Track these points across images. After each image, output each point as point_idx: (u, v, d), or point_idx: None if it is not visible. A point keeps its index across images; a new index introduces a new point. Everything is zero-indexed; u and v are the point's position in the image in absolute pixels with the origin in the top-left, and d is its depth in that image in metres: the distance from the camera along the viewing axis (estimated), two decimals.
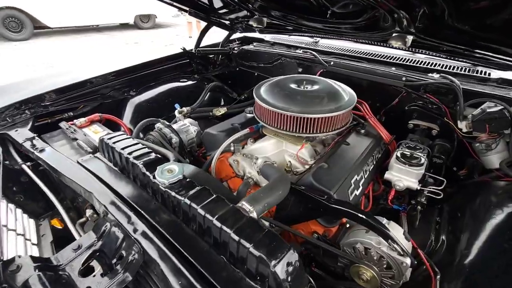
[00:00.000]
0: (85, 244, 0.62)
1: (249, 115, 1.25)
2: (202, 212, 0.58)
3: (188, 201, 0.61)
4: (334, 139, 1.15)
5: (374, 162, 1.08)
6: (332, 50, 1.55)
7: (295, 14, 1.15)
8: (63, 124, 1.10)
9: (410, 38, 0.87)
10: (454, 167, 1.21)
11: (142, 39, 7.58)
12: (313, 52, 1.49)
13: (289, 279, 0.50)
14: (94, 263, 0.59)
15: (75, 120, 1.17)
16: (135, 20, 8.75)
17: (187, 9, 1.47)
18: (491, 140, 1.05)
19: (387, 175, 1.01)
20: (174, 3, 1.39)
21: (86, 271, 0.58)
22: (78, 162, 0.83)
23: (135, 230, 0.59)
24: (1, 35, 6.70)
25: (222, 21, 1.62)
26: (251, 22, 1.37)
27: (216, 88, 1.67)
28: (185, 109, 1.40)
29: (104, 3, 7.81)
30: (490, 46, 0.86)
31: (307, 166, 1.02)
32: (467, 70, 1.23)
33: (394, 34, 0.90)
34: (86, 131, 1.10)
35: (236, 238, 0.52)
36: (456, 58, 1.11)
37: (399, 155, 1.00)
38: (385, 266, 0.69)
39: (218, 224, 0.55)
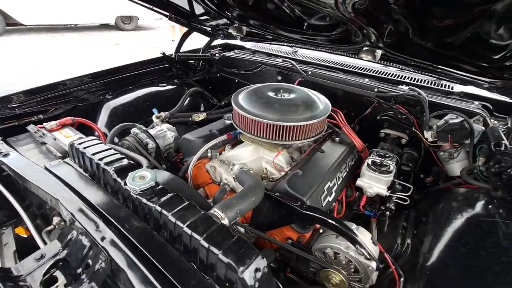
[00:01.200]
0: (49, 254, 0.60)
1: (228, 122, 1.25)
2: (172, 219, 0.58)
3: (159, 208, 0.60)
4: (310, 146, 1.18)
5: (347, 169, 1.12)
6: (310, 60, 1.60)
7: (273, 24, 1.19)
8: (31, 127, 1.06)
9: (379, 52, 0.92)
10: (421, 175, 1.28)
11: (123, 41, 7.40)
12: (292, 62, 1.53)
13: (256, 285, 0.50)
14: (58, 273, 0.57)
15: (45, 124, 1.12)
16: (116, 21, 8.54)
17: (168, 14, 1.47)
18: (453, 149, 1.12)
19: (358, 182, 1.05)
20: (155, 8, 1.38)
21: (49, 281, 0.55)
22: (45, 168, 0.80)
23: (102, 238, 0.58)
24: None
25: (203, 27, 1.63)
26: (230, 30, 1.39)
27: (196, 94, 1.67)
28: (163, 114, 1.39)
29: (83, 1, 7.58)
30: (451, 62, 0.93)
31: (283, 173, 1.04)
32: (433, 83, 1.31)
33: (364, 48, 0.95)
34: (57, 135, 1.06)
35: (206, 245, 0.53)
36: (423, 72, 1.19)
37: (370, 162, 1.05)
38: (352, 270, 0.71)
39: (189, 231, 0.55)
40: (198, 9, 1.41)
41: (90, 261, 0.56)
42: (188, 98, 1.56)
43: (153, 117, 1.34)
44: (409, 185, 1.02)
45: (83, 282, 0.54)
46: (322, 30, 1.04)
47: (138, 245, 0.58)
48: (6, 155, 0.85)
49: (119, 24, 8.66)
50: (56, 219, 0.84)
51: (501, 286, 0.62)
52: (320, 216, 0.76)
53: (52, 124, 1.12)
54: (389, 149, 1.22)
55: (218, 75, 1.88)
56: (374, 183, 1.02)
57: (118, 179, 0.68)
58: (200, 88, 1.71)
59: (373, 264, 0.68)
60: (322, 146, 1.15)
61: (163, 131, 1.24)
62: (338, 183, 1.04)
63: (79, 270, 0.57)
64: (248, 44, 1.89)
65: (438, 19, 0.73)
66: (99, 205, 0.67)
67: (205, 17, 1.50)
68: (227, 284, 0.52)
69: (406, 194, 0.99)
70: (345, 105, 1.34)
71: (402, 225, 0.98)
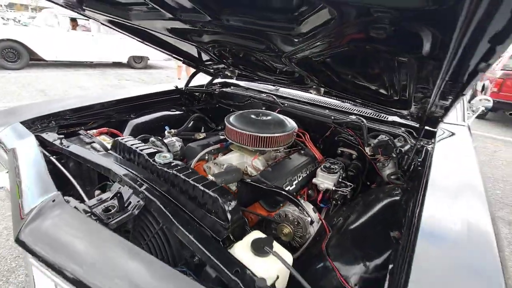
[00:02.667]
0: (104, 197, 0.98)
1: (222, 137, 1.69)
2: (183, 177, 0.97)
3: (175, 172, 1.00)
4: (281, 156, 1.60)
5: (308, 172, 1.52)
6: (288, 96, 2.09)
7: (256, 69, 1.69)
8: (82, 132, 1.47)
9: (322, 89, 1.39)
10: (368, 182, 1.67)
11: (134, 77, 8.16)
12: (274, 96, 2.02)
13: (230, 210, 0.88)
14: (112, 206, 0.94)
15: (87, 131, 1.54)
16: (129, 60, 9.43)
17: (182, 59, 1.99)
18: (385, 160, 1.54)
19: (314, 180, 1.44)
20: (173, 55, 1.90)
21: (107, 210, 0.93)
22: (97, 153, 1.20)
23: (140, 185, 0.96)
24: None
25: (207, 69, 2.15)
26: (227, 72, 1.89)
27: (199, 118, 2.12)
28: (173, 130, 1.82)
29: (101, 44, 8.49)
30: (372, 99, 1.40)
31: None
32: (373, 114, 1.78)
33: (313, 86, 1.42)
34: (97, 139, 1.47)
35: (202, 188, 0.92)
36: (366, 106, 1.66)
37: (322, 167, 1.46)
38: (296, 223, 1.07)
39: (192, 182, 0.94)
40: (204, 57, 1.93)
41: (132, 199, 0.94)
42: (192, 121, 2.01)
43: (166, 132, 1.77)
44: (350, 184, 1.41)
45: (127, 210, 0.92)
46: (286, 74, 1.52)
47: (162, 192, 0.96)
48: (68, 146, 1.25)
49: (130, 62, 9.55)
50: (96, 192, 1.22)
51: (385, 237, 0.98)
52: (279, 191, 1.15)
53: (93, 131, 1.54)
54: (342, 161, 1.63)
55: (217, 105, 2.36)
56: (324, 181, 1.41)
57: (149, 158, 1.08)
58: (201, 114, 2.17)
59: (309, 219, 1.05)
60: (291, 155, 1.56)
61: (173, 141, 1.66)
62: (299, 179, 1.43)
63: (125, 204, 0.94)
64: (242, 83, 2.40)
65: (342, 72, 1.20)
66: (136, 173, 1.06)
67: (209, 62, 2.01)
68: (213, 211, 0.90)
69: (347, 189, 1.38)
70: (311, 128, 1.78)
71: (343, 209, 1.35)
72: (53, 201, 0.83)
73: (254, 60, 1.47)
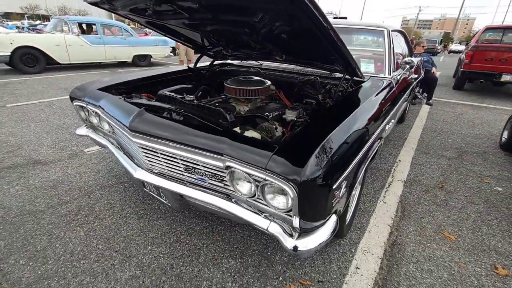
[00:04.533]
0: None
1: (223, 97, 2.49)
2: (201, 104, 1.77)
3: (197, 102, 1.80)
4: (263, 104, 2.39)
5: (279, 113, 2.32)
6: (268, 68, 2.89)
7: (241, 47, 2.48)
8: (134, 94, 2.28)
9: (284, 56, 2.18)
10: None
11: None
12: (258, 69, 2.81)
13: (229, 114, 1.68)
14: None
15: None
16: (133, 59, 10.22)
17: (191, 46, 2.78)
18: (330, 101, 2.33)
19: (283, 116, 2.24)
20: (185, 43, 2.69)
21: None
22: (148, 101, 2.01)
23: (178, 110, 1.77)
24: (19, 69, 7.85)
25: (209, 52, 2.94)
26: (224, 52, 2.68)
27: (205, 90, 2.92)
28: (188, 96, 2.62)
29: (107, 45, 9.28)
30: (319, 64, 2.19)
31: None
32: (326, 74, 2.56)
33: (277, 55, 2.21)
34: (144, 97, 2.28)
35: (213, 107, 1.72)
36: (314, 67, 2.44)
37: (289, 107, 2.25)
38: (268, 130, 1.88)
39: (207, 105, 1.75)
40: (206, 43, 2.71)
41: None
42: (201, 92, 2.81)
43: None
44: (307, 116, 2.21)
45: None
46: (260, 50, 2.32)
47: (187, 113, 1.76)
48: (131, 99, 2.06)
49: (135, 61, 10.33)
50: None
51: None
52: (258, 115, 1.95)
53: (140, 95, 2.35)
54: (305, 107, 2.42)
55: (218, 80, 3.16)
56: (289, 115, 2.21)
57: (181, 99, 1.88)
58: (207, 87, 2.97)
59: (274, 126, 1.85)
60: (269, 103, 2.36)
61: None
62: (274, 114, 2.23)
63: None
64: (235, 62, 3.20)
65: (292, 44, 1.99)
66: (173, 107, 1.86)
67: (210, 47, 2.80)
68: (219, 120, 1.70)
69: (303, 118, 2.17)
70: (285, 87, 2.57)
71: None
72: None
73: (240, 40, 2.25)
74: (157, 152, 1.60)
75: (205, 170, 1.49)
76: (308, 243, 1.25)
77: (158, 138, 1.50)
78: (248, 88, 2.20)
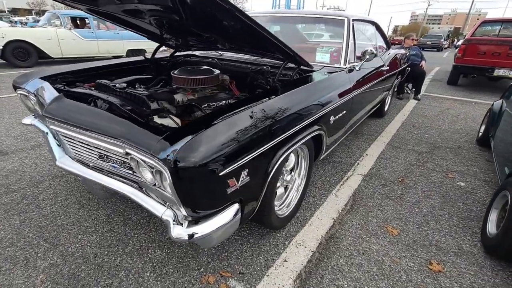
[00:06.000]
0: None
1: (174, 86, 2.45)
2: (129, 91, 1.74)
3: (127, 90, 1.77)
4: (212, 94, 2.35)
5: (229, 102, 2.27)
6: (226, 58, 2.83)
7: (189, 36, 2.44)
8: (78, 84, 2.26)
9: (227, 45, 2.13)
10: None
11: None
12: (215, 59, 2.76)
13: (152, 103, 1.64)
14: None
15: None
16: (127, 53, 10.23)
17: (147, 36, 2.74)
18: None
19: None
20: (144, 35, 2.65)
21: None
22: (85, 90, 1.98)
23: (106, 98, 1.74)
24: (11, 62, 7.94)
25: (169, 43, 2.90)
26: (177, 42, 2.64)
27: (162, 79, 2.89)
28: (142, 86, 2.59)
29: (100, 39, 9.30)
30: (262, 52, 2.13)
31: None
32: (276, 64, 2.50)
33: (222, 45, 2.16)
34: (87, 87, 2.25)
35: (137, 94, 1.69)
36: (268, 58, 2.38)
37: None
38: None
39: (134, 92, 1.71)
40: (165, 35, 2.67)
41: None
42: (160, 83, 2.78)
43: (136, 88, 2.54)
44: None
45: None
46: (208, 39, 2.27)
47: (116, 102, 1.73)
48: (70, 89, 2.04)
49: (129, 55, 10.35)
50: None
51: None
52: (194, 104, 1.91)
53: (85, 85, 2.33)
54: None
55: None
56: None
57: (112, 87, 1.85)
58: (165, 77, 2.93)
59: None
60: (218, 93, 2.31)
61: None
62: (218, 104, 2.18)
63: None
64: (197, 53, 3.15)
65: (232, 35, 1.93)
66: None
67: (169, 38, 2.76)
68: (143, 107, 1.67)
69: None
70: (236, 77, 2.52)
71: None
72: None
73: (182, 29, 2.21)
74: (74, 140, 1.58)
75: (115, 158, 1.46)
76: (202, 229, 1.21)
77: (69, 124, 1.47)
78: (195, 77, 2.16)
